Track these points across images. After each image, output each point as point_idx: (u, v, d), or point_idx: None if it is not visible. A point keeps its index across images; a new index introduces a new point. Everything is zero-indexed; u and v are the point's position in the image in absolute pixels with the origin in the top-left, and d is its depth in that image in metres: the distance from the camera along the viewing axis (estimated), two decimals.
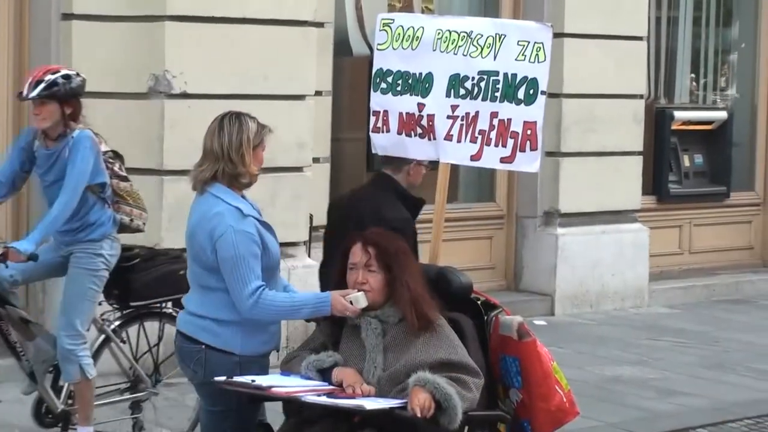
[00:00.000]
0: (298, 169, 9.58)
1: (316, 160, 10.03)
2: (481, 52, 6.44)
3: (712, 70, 14.89)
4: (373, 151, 7.33)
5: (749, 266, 13.97)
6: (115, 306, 7.65)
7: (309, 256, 9.80)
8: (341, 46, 11.41)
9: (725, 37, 14.90)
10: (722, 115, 14.66)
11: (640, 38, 12.85)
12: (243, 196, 5.75)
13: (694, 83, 14.87)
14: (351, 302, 5.64)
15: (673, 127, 14.32)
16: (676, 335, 11.24)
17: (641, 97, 12.96)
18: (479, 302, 6.09)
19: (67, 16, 9.15)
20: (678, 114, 14.21)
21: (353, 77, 11.66)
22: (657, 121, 14.11)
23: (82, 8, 9.11)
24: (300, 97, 9.55)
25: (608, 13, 12.12)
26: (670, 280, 13.08)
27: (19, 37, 9.67)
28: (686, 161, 14.55)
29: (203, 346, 5.72)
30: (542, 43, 6.31)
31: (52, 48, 9.26)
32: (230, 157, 5.57)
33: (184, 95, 9.12)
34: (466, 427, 5.58)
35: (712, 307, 12.75)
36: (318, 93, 10.09)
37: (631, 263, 12.46)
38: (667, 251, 13.19)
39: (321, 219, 9.95)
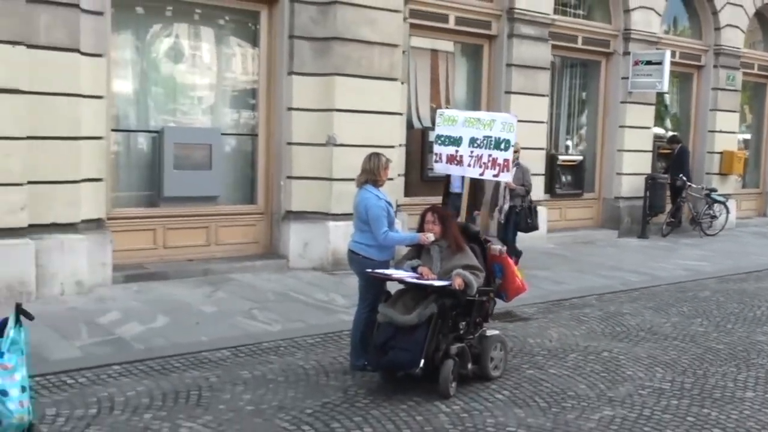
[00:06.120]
0: None
1: None
2: (485, 127, 6.56)
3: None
4: (434, 171, 7.24)
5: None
6: None
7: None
8: (409, 124, 11.08)
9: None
10: (580, 157, 13.78)
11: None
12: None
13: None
14: (427, 238, 5.85)
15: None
16: None
17: None
18: (483, 239, 6.17)
19: None
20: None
21: (413, 140, 11.21)
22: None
23: None
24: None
25: None
26: None
27: None
28: None
29: (361, 257, 5.90)
30: (512, 123, 6.49)
31: None
32: None
33: None
34: (477, 294, 5.76)
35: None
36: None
37: None
38: None
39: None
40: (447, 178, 10.03)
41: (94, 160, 8.32)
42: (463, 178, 9.05)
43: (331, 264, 9.72)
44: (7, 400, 3.89)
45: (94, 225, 8.42)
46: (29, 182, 7.72)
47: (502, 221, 10.04)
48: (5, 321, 4.12)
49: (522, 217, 9.95)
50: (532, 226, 10.09)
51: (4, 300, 7.20)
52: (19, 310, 4.13)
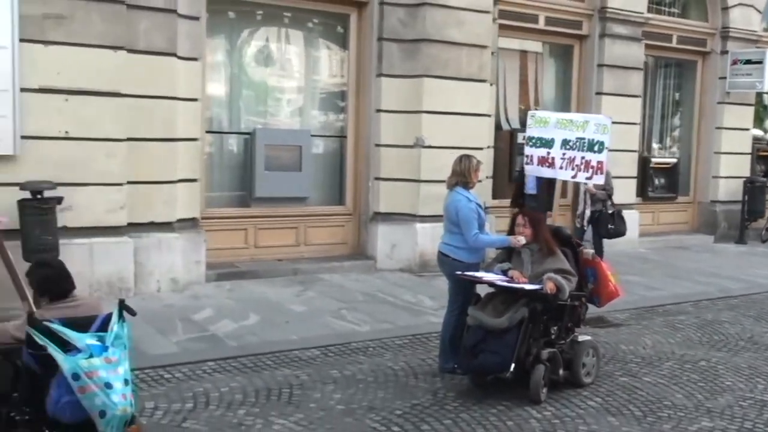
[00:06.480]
0: None
1: None
2: (578, 128, 6.46)
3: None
4: (525, 173, 7.11)
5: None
6: None
7: None
8: (497, 125, 11.01)
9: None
10: (674, 159, 13.53)
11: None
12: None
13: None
14: (518, 241, 5.87)
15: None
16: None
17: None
18: (574, 243, 6.12)
19: None
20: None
21: (502, 142, 11.18)
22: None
23: None
24: None
25: None
26: None
27: None
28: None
29: (451, 258, 5.94)
30: (606, 125, 6.35)
31: None
32: None
33: None
34: (569, 299, 5.71)
35: None
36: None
37: None
38: None
39: None
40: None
41: (189, 161, 8.56)
42: (538, 179, 9.04)
43: (418, 265, 9.76)
44: (111, 393, 4.01)
45: (189, 224, 8.64)
46: (128, 182, 8.00)
47: (585, 227, 9.75)
48: (109, 316, 4.26)
49: (603, 223, 9.66)
50: (615, 232, 9.72)
51: (104, 295, 7.49)
52: (123, 306, 4.27)
